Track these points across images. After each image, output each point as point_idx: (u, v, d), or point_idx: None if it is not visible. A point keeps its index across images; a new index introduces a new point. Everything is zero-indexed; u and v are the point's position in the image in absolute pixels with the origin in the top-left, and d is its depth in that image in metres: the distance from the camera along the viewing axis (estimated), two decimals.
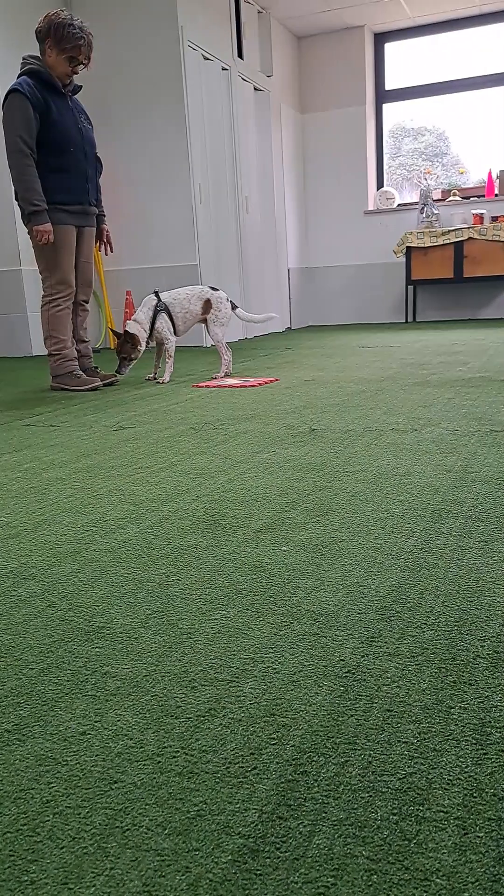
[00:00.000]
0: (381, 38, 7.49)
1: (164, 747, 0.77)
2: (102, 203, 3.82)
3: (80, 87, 3.62)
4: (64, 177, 3.48)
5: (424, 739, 0.76)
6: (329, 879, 0.59)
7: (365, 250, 7.71)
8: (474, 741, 0.75)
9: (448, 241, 6.81)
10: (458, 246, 6.81)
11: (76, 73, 3.47)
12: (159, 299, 3.65)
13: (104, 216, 3.84)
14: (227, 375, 3.74)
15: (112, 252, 3.96)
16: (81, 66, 3.45)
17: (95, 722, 0.82)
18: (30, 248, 4.41)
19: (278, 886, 0.59)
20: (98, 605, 1.12)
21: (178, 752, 0.76)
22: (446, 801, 0.67)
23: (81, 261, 3.68)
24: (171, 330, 3.68)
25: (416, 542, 1.31)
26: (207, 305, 3.70)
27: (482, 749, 0.74)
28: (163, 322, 3.64)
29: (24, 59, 3.42)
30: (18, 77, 3.38)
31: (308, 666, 0.91)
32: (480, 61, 7.24)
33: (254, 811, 0.67)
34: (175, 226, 5.83)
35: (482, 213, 6.87)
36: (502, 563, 1.19)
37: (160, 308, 3.63)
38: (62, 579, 1.23)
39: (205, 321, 3.74)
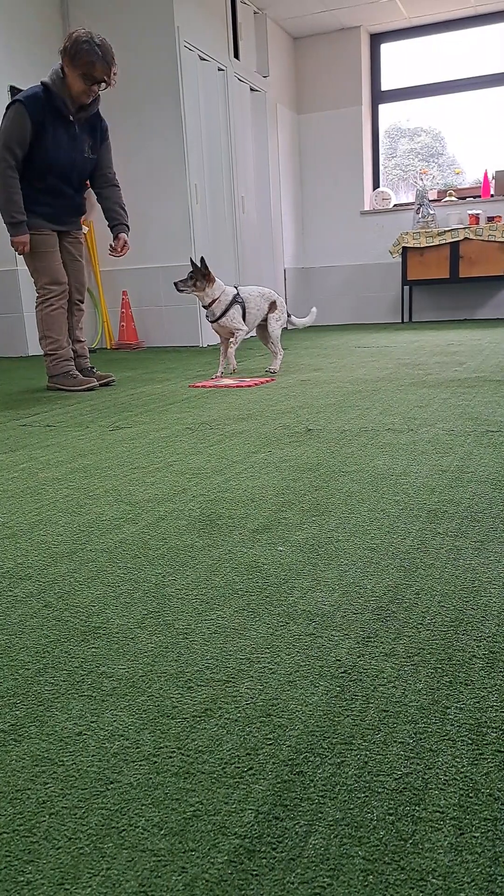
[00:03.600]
0: (377, 39, 7.50)
1: (161, 748, 0.77)
2: (126, 214, 3.72)
3: (97, 111, 3.48)
4: (45, 198, 3.50)
5: (420, 740, 0.76)
6: (325, 880, 0.59)
7: (361, 251, 7.72)
8: (470, 741, 0.75)
9: (444, 242, 6.82)
10: (454, 246, 6.82)
11: (95, 92, 3.34)
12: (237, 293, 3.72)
13: (127, 227, 3.72)
14: (273, 372, 3.83)
15: (119, 254, 3.74)
16: (103, 85, 3.32)
17: (91, 722, 0.82)
18: None
19: (275, 887, 0.59)
20: (94, 606, 1.12)
21: (174, 752, 0.76)
22: (442, 801, 0.67)
23: (69, 259, 3.67)
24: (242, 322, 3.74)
25: (412, 542, 1.31)
26: (273, 306, 3.85)
27: (478, 749, 0.74)
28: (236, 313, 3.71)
29: (53, 68, 3.34)
30: (38, 84, 3.32)
31: (304, 666, 0.91)
32: (476, 62, 7.26)
33: (250, 811, 0.67)
34: (171, 226, 5.82)
35: (478, 214, 6.88)
36: (498, 564, 1.19)
37: (238, 300, 3.69)
38: (58, 579, 1.23)
39: (266, 320, 3.88)
